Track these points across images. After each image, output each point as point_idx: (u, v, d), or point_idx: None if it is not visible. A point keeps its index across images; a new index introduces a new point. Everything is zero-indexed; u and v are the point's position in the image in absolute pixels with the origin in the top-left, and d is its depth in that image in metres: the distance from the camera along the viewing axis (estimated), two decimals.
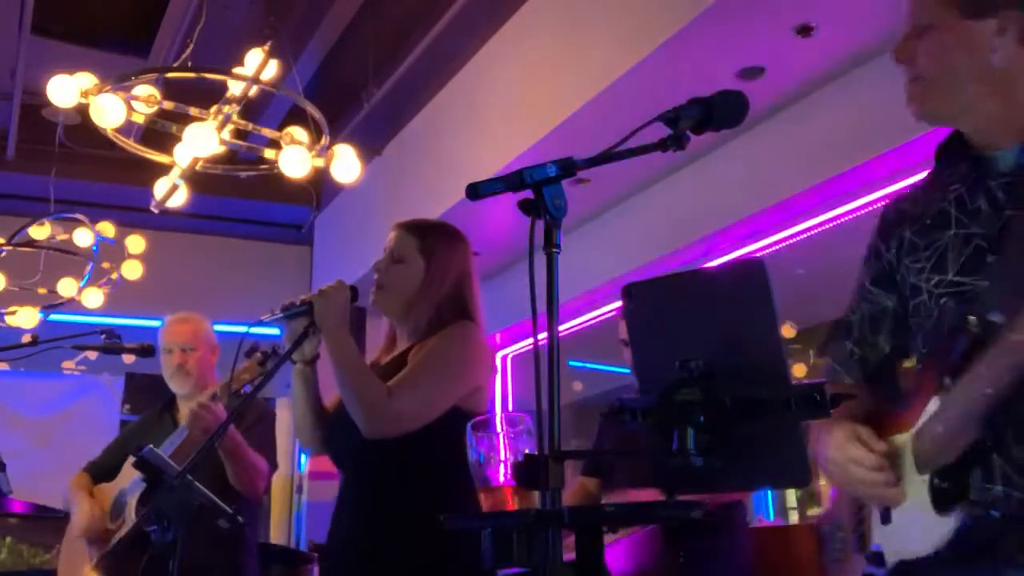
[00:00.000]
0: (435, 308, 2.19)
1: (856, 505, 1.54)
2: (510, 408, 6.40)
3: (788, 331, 5.49)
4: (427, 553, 2.01)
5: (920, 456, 1.36)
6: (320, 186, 6.86)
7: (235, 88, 3.58)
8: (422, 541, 2.01)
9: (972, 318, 1.31)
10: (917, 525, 1.35)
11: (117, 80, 3.43)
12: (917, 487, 1.36)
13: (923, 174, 1.62)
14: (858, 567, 1.51)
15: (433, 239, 2.25)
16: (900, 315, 1.54)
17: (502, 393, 6.58)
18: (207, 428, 2.67)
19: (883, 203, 1.66)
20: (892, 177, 3.78)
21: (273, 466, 2.98)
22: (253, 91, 3.57)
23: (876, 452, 1.39)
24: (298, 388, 2.20)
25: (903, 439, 1.40)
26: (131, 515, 2.89)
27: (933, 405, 1.35)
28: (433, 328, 2.17)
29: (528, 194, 1.23)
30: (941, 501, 1.32)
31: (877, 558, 1.43)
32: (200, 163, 3.70)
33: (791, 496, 5.60)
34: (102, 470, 3.14)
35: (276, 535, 7.14)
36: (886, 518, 1.43)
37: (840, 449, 1.43)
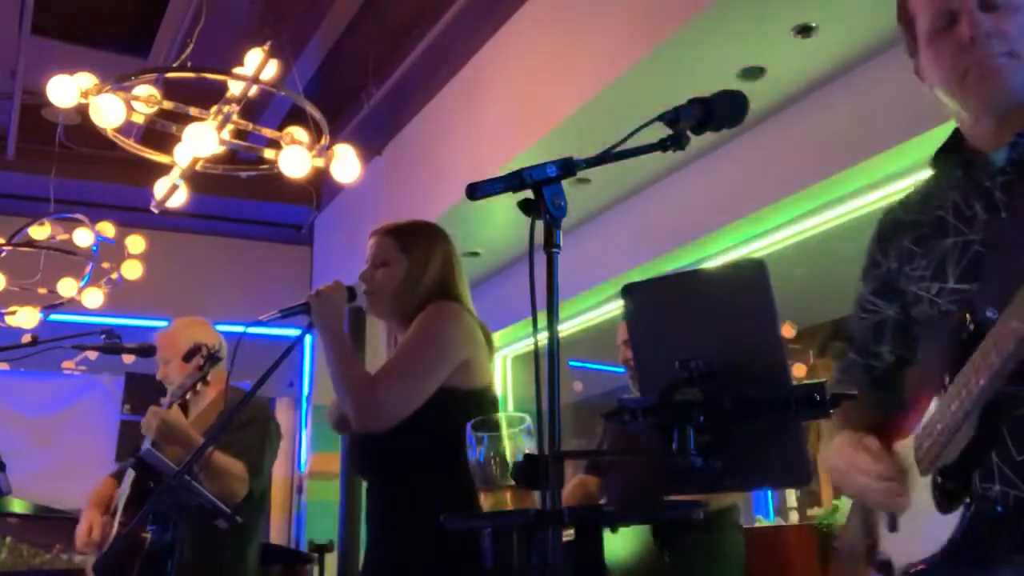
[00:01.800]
0: (421, 299, 2.21)
1: (866, 515, 1.53)
2: (510, 408, 6.40)
3: (788, 331, 5.48)
4: (441, 556, 2.00)
5: (922, 458, 1.35)
6: (320, 186, 6.86)
7: (235, 88, 3.58)
8: (436, 544, 2.01)
9: (968, 316, 1.31)
10: (921, 528, 1.34)
11: (117, 80, 3.43)
12: (921, 490, 1.35)
13: (923, 174, 1.61)
14: None
15: (410, 236, 2.28)
16: (902, 324, 1.53)
17: (502, 393, 6.58)
18: (162, 435, 2.64)
19: (881, 210, 1.64)
20: (892, 177, 3.78)
21: (253, 472, 2.84)
22: (253, 91, 3.56)
23: (882, 461, 1.39)
24: None
25: (906, 444, 1.40)
26: (118, 520, 2.87)
27: (933, 406, 1.35)
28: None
29: (528, 194, 1.23)
30: (944, 500, 1.31)
31: (885, 567, 1.42)
32: (200, 163, 3.70)
33: (791, 496, 5.59)
34: (123, 474, 3.14)
35: (276, 535, 7.14)
36: (893, 526, 1.42)
37: (844, 457, 1.43)
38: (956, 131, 1.52)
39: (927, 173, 1.59)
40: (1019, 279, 1.22)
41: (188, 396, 2.58)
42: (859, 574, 1.51)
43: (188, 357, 2.54)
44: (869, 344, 1.58)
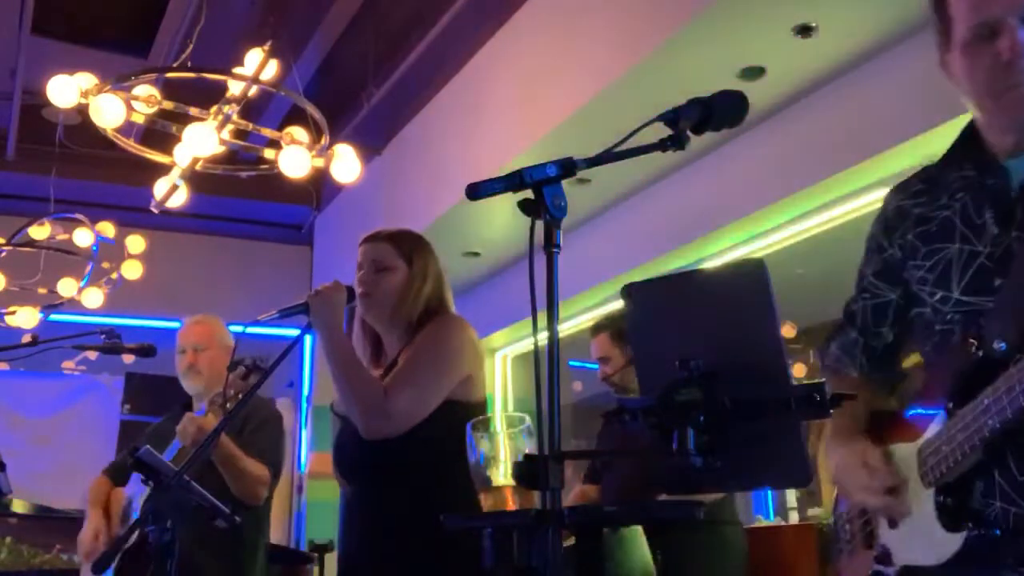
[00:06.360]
0: (423, 308, 2.24)
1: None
2: (510, 408, 6.39)
3: (788, 331, 5.49)
4: (438, 556, 2.00)
5: (926, 473, 1.39)
6: (320, 186, 6.86)
7: (235, 88, 3.58)
8: (433, 544, 2.01)
9: (972, 342, 1.33)
10: (922, 536, 1.38)
11: (117, 80, 3.43)
12: (922, 499, 1.39)
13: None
14: (863, 562, 1.53)
15: (408, 244, 2.31)
16: (903, 307, 1.57)
17: (502, 393, 6.57)
18: (196, 440, 2.67)
19: (885, 194, 1.65)
20: (892, 177, 3.78)
21: (275, 473, 2.94)
22: (253, 91, 3.57)
23: (880, 478, 1.43)
24: None
25: (907, 450, 1.43)
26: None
27: (936, 424, 1.38)
28: (422, 326, 2.20)
29: (528, 194, 1.23)
30: (948, 518, 1.35)
31: (886, 557, 1.47)
32: (200, 163, 3.70)
33: (791, 496, 5.59)
34: (120, 471, 3.14)
35: (276, 535, 7.14)
36: (893, 523, 1.46)
37: (849, 474, 1.48)
38: (973, 125, 1.48)
39: (928, 165, 1.59)
40: None
41: (229, 405, 2.60)
42: (858, 554, 1.55)
43: (233, 367, 2.54)
44: (870, 324, 1.62)
